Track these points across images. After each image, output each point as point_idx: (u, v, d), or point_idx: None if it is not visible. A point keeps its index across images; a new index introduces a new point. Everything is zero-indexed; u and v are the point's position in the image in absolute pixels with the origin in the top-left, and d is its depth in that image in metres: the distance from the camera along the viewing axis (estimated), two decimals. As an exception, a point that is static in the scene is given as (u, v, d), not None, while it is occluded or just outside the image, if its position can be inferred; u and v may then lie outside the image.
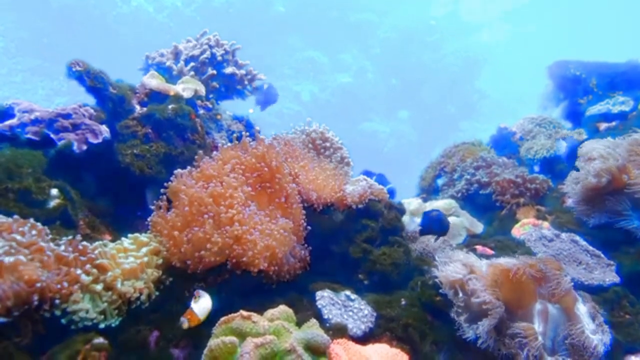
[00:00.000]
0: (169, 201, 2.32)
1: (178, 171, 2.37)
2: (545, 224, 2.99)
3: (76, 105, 2.57)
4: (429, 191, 4.01)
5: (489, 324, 1.93)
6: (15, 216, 1.87)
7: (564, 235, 2.80)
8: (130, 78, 3.06)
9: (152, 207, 2.32)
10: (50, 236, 1.91)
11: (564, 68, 4.40)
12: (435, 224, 2.45)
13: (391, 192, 3.04)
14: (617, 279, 2.50)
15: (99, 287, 1.87)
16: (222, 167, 2.36)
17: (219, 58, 3.46)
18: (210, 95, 3.40)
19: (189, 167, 2.43)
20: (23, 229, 1.80)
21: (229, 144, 2.57)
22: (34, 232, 1.82)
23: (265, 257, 2.10)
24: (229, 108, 3.61)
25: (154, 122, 2.74)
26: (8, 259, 1.65)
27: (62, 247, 1.86)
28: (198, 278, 2.15)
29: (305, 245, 2.43)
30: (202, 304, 1.91)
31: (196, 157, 2.49)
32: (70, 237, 1.95)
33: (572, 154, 3.20)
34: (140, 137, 2.67)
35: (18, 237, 1.74)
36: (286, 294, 2.23)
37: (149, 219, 2.29)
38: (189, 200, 2.17)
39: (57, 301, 1.74)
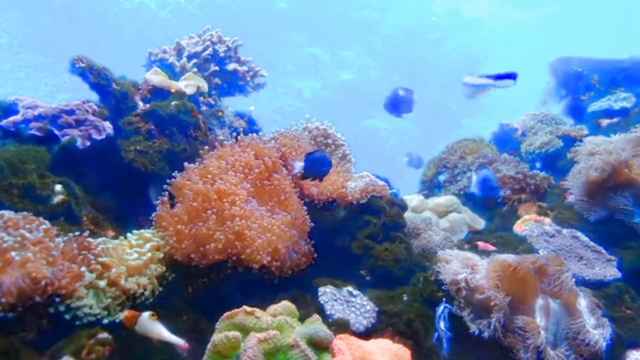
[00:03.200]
0: (172, 197, 2.34)
1: (187, 165, 2.38)
2: (547, 220, 3.00)
3: (79, 102, 2.58)
4: (431, 187, 4.02)
5: (496, 319, 1.94)
6: (24, 213, 1.88)
7: (565, 231, 2.81)
8: (133, 74, 3.07)
9: (155, 203, 2.33)
10: (56, 232, 1.92)
11: (566, 65, 4.40)
12: (318, 165, 2.46)
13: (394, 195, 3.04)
14: (618, 274, 2.51)
15: (102, 283, 1.88)
16: (221, 164, 2.37)
17: (222, 54, 3.46)
18: (213, 92, 3.41)
19: (196, 163, 2.44)
20: (30, 225, 1.81)
21: (226, 142, 2.58)
22: (42, 227, 1.84)
23: (267, 252, 2.11)
24: (231, 104, 3.62)
25: (156, 119, 2.75)
26: (16, 255, 1.66)
27: (68, 244, 1.87)
28: (201, 274, 2.16)
29: (309, 240, 2.44)
30: (150, 325, 1.74)
31: (201, 152, 2.50)
32: (77, 234, 1.96)
33: (483, 186, 3.12)
34: (143, 133, 2.68)
35: (26, 234, 1.76)
36: (289, 289, 2.24)
37: (152, 215, 2.31)
38: (193, 195, 2.18)
39: (61, 297, 1.76)
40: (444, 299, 2.09)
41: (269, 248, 2.12)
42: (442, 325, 2.01)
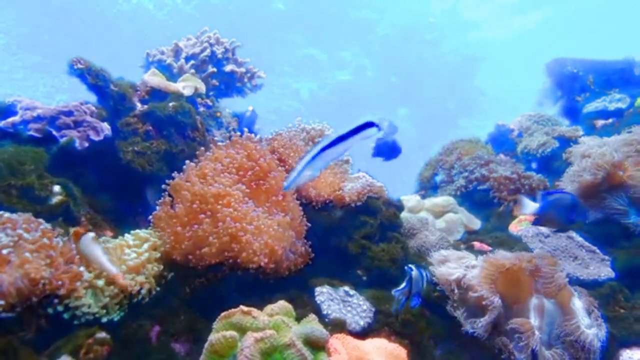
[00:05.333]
0: (171, 197, 2.35)
1: (187, 164, 2.39)
2: (542, 220, 3.01)
3: (78, 103, 2.59)
4: (428, 188, 4.04)
5: (488, 318, 1.96)
6: (27, 214, 1.90)
7: (560, 231, 2.83)
8: (130, 75, 3.08)
9: (154, 204, 2.34)
10: (54, 233, 1.93)
11: (561, 66, 4.43)
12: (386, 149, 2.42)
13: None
14: (612, 274, 2.53)
15: (100, 282, 1.89)
16: (215, 165, 2.38)
17: (219, 56, 3.48)
18: (210, 93, 3.43)
19: (192, 164, 2.45)
20: (28, 225, 1.83)
21: (220, 143, 2.59)
22: (40, 228, 1.85)
23: (264, 254, 2.12)
24: (229, 105, 3.63)
25: (154, 120, 2.77)
26: (14, 256, 1.67)
27: (67, 244, 1.89)
28: (199, 274, 2.18)
29: (306, 241, 2.45)
30: (91, 245, 1.82)
31: (197, 153, 2.51)
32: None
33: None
34: (141, 134, 2.69)
35: (23, 234, 1.77)
36: (286, 289, 2.25)
37: (151, 215, 2.32)
38: (191, 196, 2.19)
39: (59, 297, 1.77)
40: (407, 265, 2.10)
41: (266, 250, 2.13)
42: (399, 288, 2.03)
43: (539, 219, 2.30)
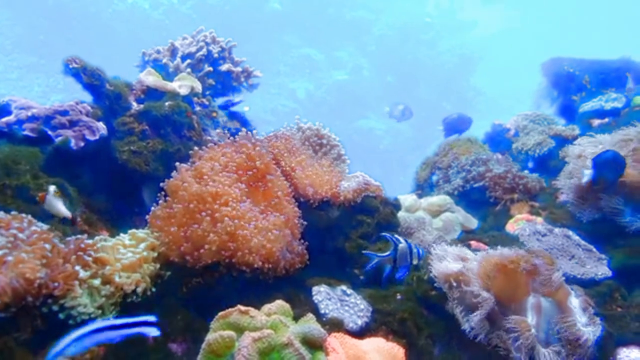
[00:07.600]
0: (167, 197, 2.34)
1: (180, 166, 2.38)
2: (539, 219, 3.02)
3: (73, 102, 2.58)
4: (424, 187, 4.04)
5: (481, 314, 1.96)
6: (14, 212, 1.88)
7: (557, 230, 2.83)
8: (126, 75, 3.07)
9: (150, 204, 2.33)
10: (50, 234, 1.92)
11: (557, 65, 4.44)
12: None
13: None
14: (609, 273, 2.53)
15: (96, 281, 1.88)
16: (213, 165, 2.37)
17: (215, 55, 3.47)
18: (207, 92, 3.42)
19: (189, 164, 2.44)
20: (21, 225, 1.81)
21: (218, 142, 2.58)
22: (33, 228, 1.84)
23: (261, 254, 2.11)
24: (226, 105, 3.62)
25: (150, 119, 2.75)
26: (9, 256, 1.66)
27: (63, 244, 1.88)
28: (196, 273, 2.17)
29: (302, 241, 2.45)
30: (53, 200, 2.16)
31: (191, 152, 2.49)
32: (76, 237, 1.97)
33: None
34: (137, 133, 2.68)
35: (18, 234, 1.76)
36: (283, 289, 2.25)
37: (147, 215, 2.31)
38: (189, 196, 2.18)
39: (55, 297, 1.76)
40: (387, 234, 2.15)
41: (263, 250, 2.12)
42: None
43: (595, 181, 2.56)
